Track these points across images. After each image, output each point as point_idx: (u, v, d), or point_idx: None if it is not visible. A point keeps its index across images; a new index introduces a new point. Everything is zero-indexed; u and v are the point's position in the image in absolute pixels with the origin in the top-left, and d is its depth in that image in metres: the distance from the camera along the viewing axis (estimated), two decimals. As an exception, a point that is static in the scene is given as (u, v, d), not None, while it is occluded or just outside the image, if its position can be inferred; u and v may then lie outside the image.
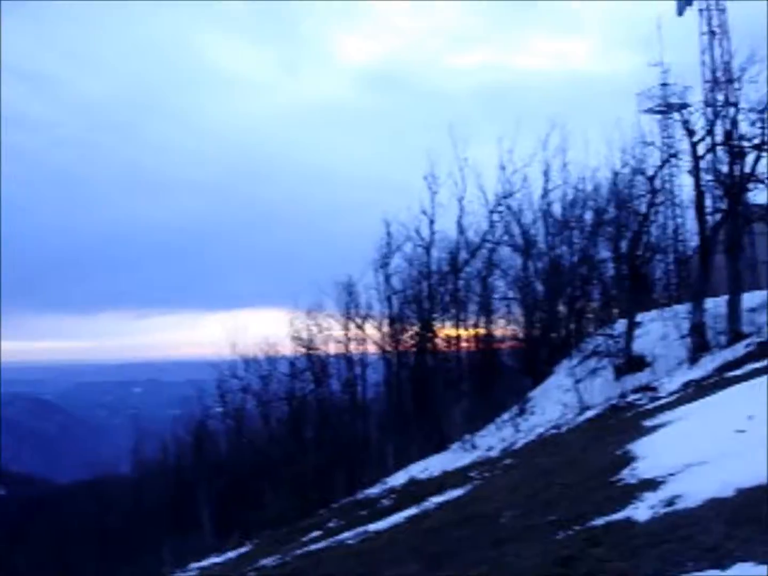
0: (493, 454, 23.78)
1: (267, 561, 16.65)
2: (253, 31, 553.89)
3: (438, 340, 42.78)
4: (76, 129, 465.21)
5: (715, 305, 26.28)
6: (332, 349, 45.91)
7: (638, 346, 28.56)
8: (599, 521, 8.24)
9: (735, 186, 25.74)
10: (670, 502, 8.00)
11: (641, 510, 8.10)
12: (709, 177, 28.46)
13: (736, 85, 26.85)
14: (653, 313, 32.04)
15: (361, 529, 16.00)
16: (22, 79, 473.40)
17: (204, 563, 24.58)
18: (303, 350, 46.16)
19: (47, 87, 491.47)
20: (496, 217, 41.53)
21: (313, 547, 16.47)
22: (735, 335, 23.98)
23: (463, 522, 11.50)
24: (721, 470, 8.45)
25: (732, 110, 27.19)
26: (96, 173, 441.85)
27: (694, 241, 38.22)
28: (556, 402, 27.97)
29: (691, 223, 41.70)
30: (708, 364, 22.33)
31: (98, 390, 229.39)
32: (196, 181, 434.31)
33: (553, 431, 22.59)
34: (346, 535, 16.11)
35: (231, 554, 24.71)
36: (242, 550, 25.07)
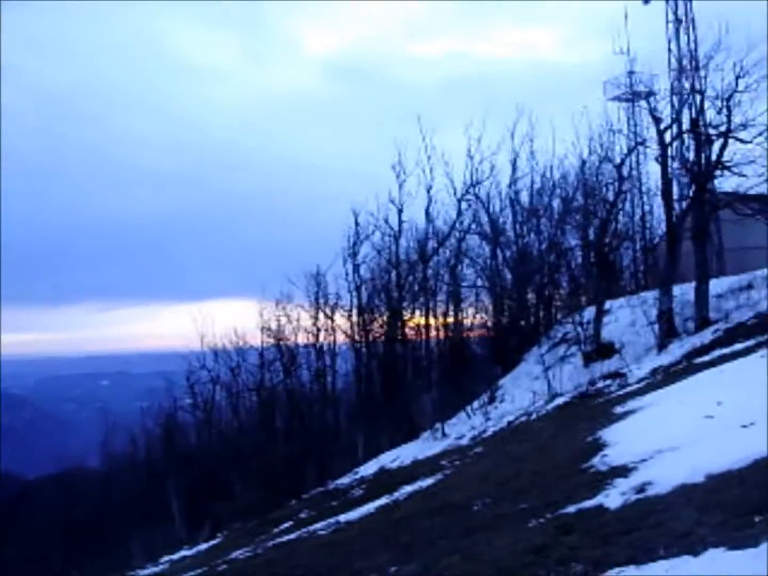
0: (464, 442, 23.83)
1: (238, 553, 16.60)
2: (218, 21, 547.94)
3: (407, 329, 42.79)
4: (42, 119, 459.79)
5: (683, 292, 26.46)
6: (301, 339, 45.83)
7: (607, 333, 28.73)
8: (571, 509, 8.25)
9: (702, 173, 25.89)
10: (641, 489, 8.03)
11: (612, 497, 8.12)
12: (676, 164, 28.64)
13: (702, 72, 26.90)
14: (621, 300, 32.23)
15: (332, 519, 15.98)
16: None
17: (175, 556, 24.47)
18: (272, 341, 46.03)
19: (13, 77, 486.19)
20: (464, 205, 41.56)
21: (284, 538, 16.44)
22: (702, 321, 24.17)
23: (434, 511, 11.48)
24: (691, 456, 8.49)
25: (698, 98, 27.28)
26: (63, 164, 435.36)
27: (661, 229, 38.49)
28: (525, 390, 28.07)
29: (658, 210, 42.09)
30: (676, 350, 22.50)
31: (66, 383, 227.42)
32: (164, 172, 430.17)
33: (523, 419, 22.67)
34: (317, 525, 16.09)
35: (202, 546, 24.63)
36: (213, 542, 25.01)
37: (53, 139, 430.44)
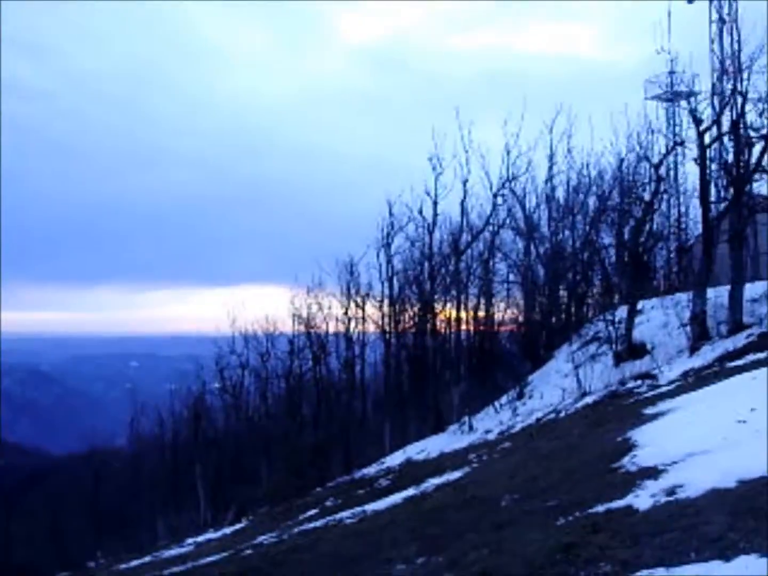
0: (491, 437, 23.84)
1: (263, 538, 16.70)
2: (253, 6, 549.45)
3: (438, 322, 42.79)
4: (74, 101, 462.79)
5: (717, 295, 26.27)
6: (332, 327, 45.95)
7: (639, 333, 28.58)
8: (600, 508, 8.25)
9: (740, 176, 25.68)
10: (671, 491, 8.00)
11: (642, 498, 8.11)
12: (715, 166, 28.42)
13: (744, 74, 26.68)
14: (654, 300, 32.06)
15: (358, 508, 16.03)
16: (21, 50, 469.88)
17: (200, 538, 24.68)
18: (302, 328, 46.20)
19: (46, 58, 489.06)
20: (499, 200, 41.48)
21: (310, 525, 16.51)
22: (736, 325, 23.98)
23: (462, 505, 11.52)
24: (722, 460, 8.46)
25: (740, 100, 27.03)
26: (94, 145, 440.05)
27: (696, 230, 38.17)
28: (554, 387, 28.00)
29: (694, 211, 41.75)
30: (708, 353, 22.35)
31: (95, 363, 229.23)
32: (195, 157, 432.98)
33: (552, 416, 22.63)
34: (343, 514, 16.15)
35: (227, 530, 24.83)
36: (238, 526, 25.19)
37: (84, 122, 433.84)
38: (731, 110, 28.46)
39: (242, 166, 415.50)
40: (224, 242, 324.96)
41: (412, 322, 43.75)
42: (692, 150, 28.82)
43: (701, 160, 26.57)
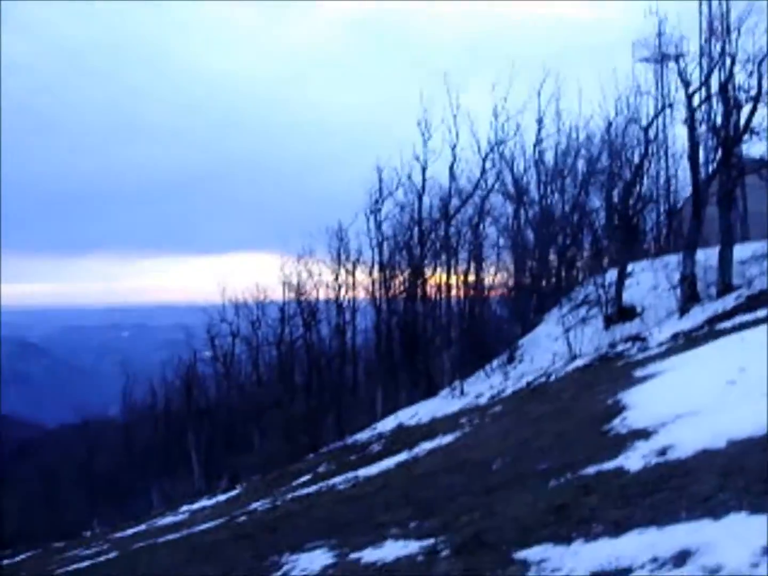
0: (482, 401, 23.92)
1: (257, 504, 16.82)
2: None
3: (428, 287, 42.85)
4: (57, 73, 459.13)
5: (706, 257, 26.30)
6: (322, 294, 46.00)
7: (628, 296, 28.64)
8: (591, 470, 8.31)
9: (729, 138, 25.62)
10: (661, 452, 8.06)
11: (633, 459, 8.17)
12: (704, 128, 28.33)
13: (733, 36, 26.49)
14: (644, 263, 32.09)
15: (351, 474, 16.15)
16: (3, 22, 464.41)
17: (194, 506, 24.81)
18: (293, 295, 46.23)
19: (29, 30, 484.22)
20: (488, 164, 41.32)
21: (303, 491, 16.63)
22: (725, 287, 24.02)
23: (454, 468, 11.60)
24: (712, 421, 8.51)
25: (728, 61, 26.89)
26: (78, 118, 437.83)
27: (686, 192, 38.13)
28: (545, 350, 28.09)
29: (683, 174, 41.64)
30: (698, 315, 22.41)
31: (85, 334, 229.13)
32: (183, 129, 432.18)
33: (543, 379, 22.71)
34: (336, 479, 16.26)
35: (221, 497, 24.96)
36: (232, 493, 25.32)
37: (68, 93, 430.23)
38: (720, 72, 28.32)
39: (230, 139, 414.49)
40: (213, 211, 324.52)
41: (402, 288, 43.72)
42: (681, 112, 28.71)
43: (690, 122, 26.50)
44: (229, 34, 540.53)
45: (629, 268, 30.06)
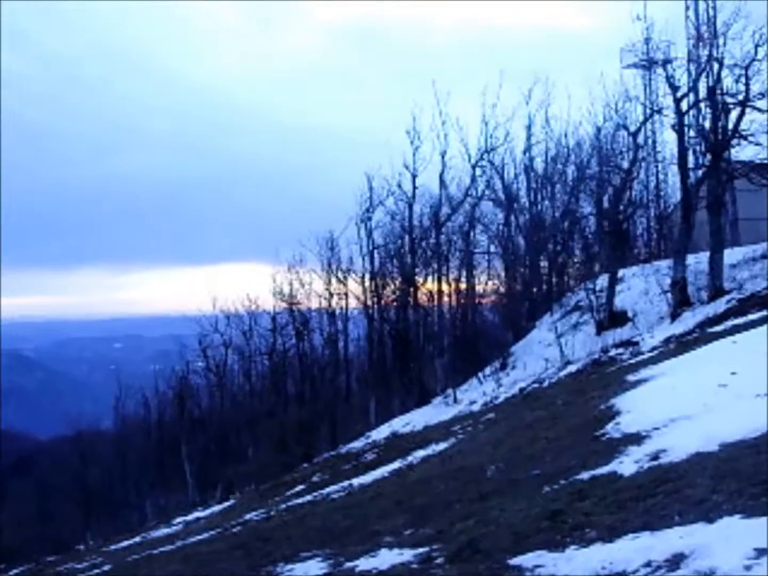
0: (476, 408, 23.95)
1: (252, 515, 16.75)
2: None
3: (420, 295, 42.78)
4: (46, 84, 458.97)
5: (697, 261, 26.41)
6: (314, 303, 45.91)
7: (620, 301, 28.72)
8: (584, 475, 8.32)
9: (718, 142, 25.73)
10: (654, 457, 8.09)
11: (626, 464, 8.18)
12: (693, 133, 28.46)
13: (720, 40, 26.62)
14: (635, 268, 32.21)
15: (345, 483, 16.13)
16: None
17: (189, 517, 24.73)
18: (284, 305, 46.12)
19: (17, 42, 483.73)
20: (478, 171, 41.33)
21: (297, 501, 16.60)
22: (716, 291, 24.12)
23: (448, 476, 11.59)
24: (705, 425, 8.54)
25: (716, 66, 27.00)
26: (68, 128, 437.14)
27: (675, 197, 38.31)
28: (537, 357, 28.14)
29: (673, 179, 41.89)
30: (689, 319, 22.50)
31: (78, 346, 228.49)
32: (172, 137, 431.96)
33: (535, 386, 22.75)
34: (330, 489, 16.24)
35: (215, 508, 24.90)
36: (226, 504, 25.26)
37: (57, 105, 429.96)
38: (708, 77, 28.41)
39: (220, 146, 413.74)
40: (204, 221, 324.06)
41: (394, 296, 43.69)
42: (669, 117, 28.84)
43: (679, 127, 26.63)
44: (218, 42, 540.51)
45: (620, 273, 30.14)
